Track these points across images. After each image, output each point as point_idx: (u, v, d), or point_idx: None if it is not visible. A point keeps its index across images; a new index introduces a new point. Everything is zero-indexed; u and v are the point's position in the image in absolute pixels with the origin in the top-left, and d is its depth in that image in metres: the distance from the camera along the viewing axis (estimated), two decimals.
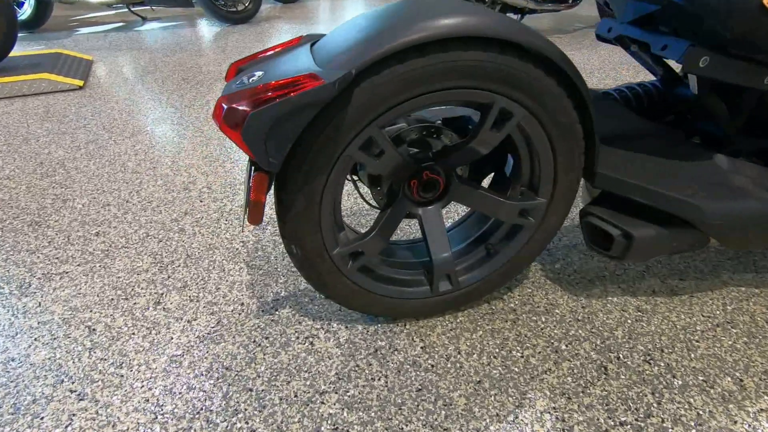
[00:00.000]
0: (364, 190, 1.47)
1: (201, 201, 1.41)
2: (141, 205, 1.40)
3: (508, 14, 3.47)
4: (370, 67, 0.62)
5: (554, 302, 1.02)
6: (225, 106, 0.59)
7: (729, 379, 0.84)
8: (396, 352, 0.89)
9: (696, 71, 0.72)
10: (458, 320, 0.97)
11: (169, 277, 1.10)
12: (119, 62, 2.83)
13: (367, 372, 0.85)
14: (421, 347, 0.91)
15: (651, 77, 2.65)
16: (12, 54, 2.64)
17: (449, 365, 0.87)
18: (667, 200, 0.79)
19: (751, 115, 0.95)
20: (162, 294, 1.05)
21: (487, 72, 0.66)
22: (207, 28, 3.66)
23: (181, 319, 0.98)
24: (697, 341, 0.92)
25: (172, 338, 0.93)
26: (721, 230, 0.80)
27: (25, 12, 3.27)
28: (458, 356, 0.89)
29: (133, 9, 3.81)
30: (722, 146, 0.96)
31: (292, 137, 0.60)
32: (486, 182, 1.17)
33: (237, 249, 1.19)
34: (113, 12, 4.18)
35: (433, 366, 0.87)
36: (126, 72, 2.65)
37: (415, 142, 0.84)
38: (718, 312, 0.99)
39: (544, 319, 0.97)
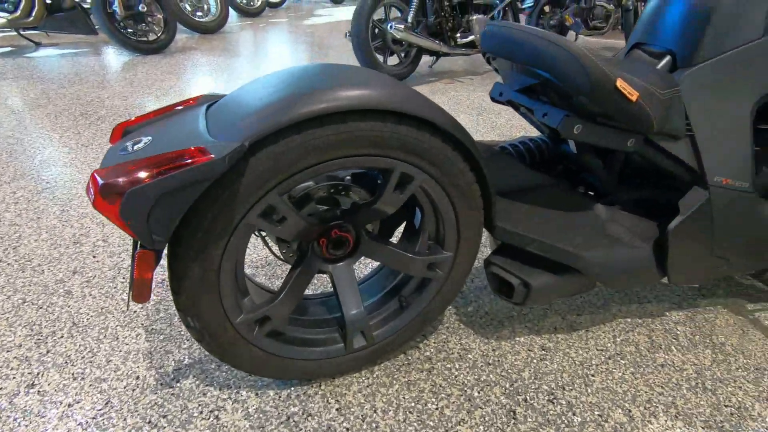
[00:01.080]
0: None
1: (94, 257, 1.27)
2: (18, 264, 1.22)
3: (424, 56, 3.67)
4: (267, 137, 0.61)
5: (467, 347, 1.05)
6: (100, 181, 0.54)
7: (620, 411, 0.92)
8: (310, 418, 0.85)
9: (571, 137, 0.80)
10: (374, 375, 0.96)
11: (48, 351, 0.96)
12: (2, 93, 2.52)
13: None
14: (336, 409, 0.88)
15: None
16: None
17: (365, 426, 0.85)
18: (555, 251, 0.86)
19: (622, 169, 1.08)
20: (38, 374, 0.91)
21: (385, 141, 0.68)
22: (114, 58, 3.42)
23: (60, 403, 0.85)
24: (593, 375, 1.00)
25: (46, 429, 0.80)
26: (601, 276, 0.89)
27: None
28: (374, 415, 0.87)
29: (23, 33, 3.45)
30: (603, 196, 1.08)
31: (179, 213, 0.56)
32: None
33: (134, 312, 1.08)
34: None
35: (348, 429, 0.84)
36: (11, 104, 2.37)
37: (323, 199, 0.83)
38: (609, 344, 1.09)
39: (458, 366, 0.99)
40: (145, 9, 3.35)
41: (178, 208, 0.55)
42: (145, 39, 3.46)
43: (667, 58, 0.90)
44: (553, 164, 1.13)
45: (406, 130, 0.68)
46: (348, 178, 0.92)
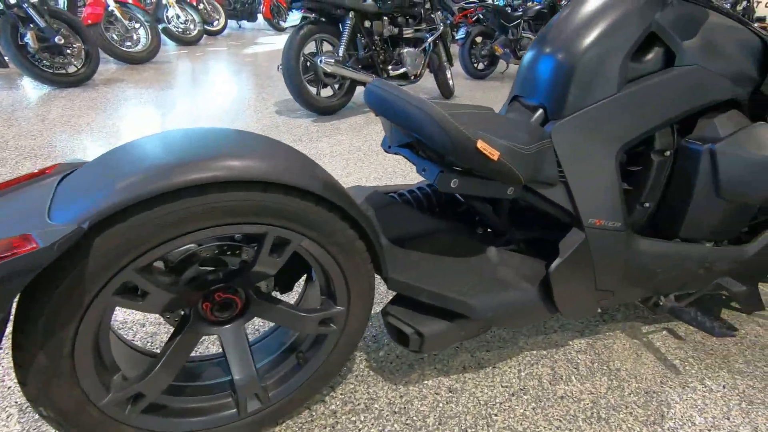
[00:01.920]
0: None
1: None
2: None
3: (359, 85, 3.74)
4: (114, 215, 0.59)
5: (375, 395, 1.04)
6: None
7: None
8: None
9: (450, 191, 0.84)
10: None
11: None
12: None
13: None
14: None
15: None
16: None
17: None
18: (445, 300, 0.88)
19: (515, 211, 1.14)
20: None
21: (251, 209, 0.67)
22: (28, 92, 3.21)
23: None
24: (496, 415, 1.02)
25: None
26: (490, 320, 0.92)
27: None
28: None
29: None
30: (499, 237, 1.13)
31: (5, 304, 0.52)
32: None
33: (9, 388, 0.98)
34: None
35: None
36: None
37: (210, 260, 0.81)
38: (514, 380, 1.12)
39: (363, 418, 0.98)
40: (62, 41, 3.19)
41: (2, 299, 0.51)
42: (63, 72, 3.28)
43: (540, 111, 0.97)
44: (453, 207, 1.17)
45: (273, 197, 0.68)
46: (238, 235, 0.90)
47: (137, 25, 4.47)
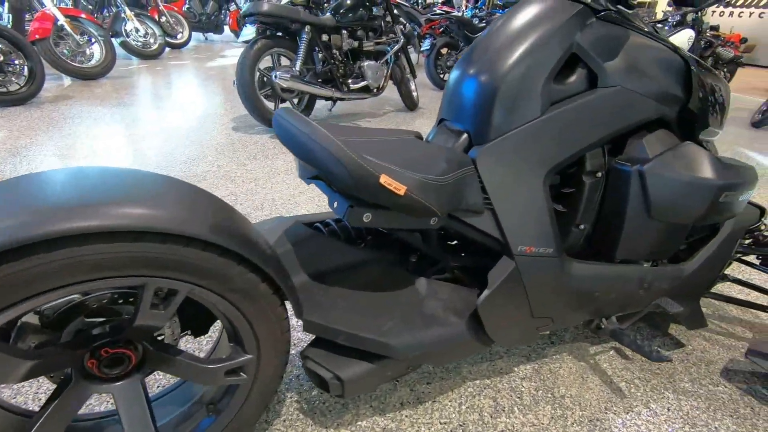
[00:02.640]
0: None
1: None
2: None
3: (319, 100, 3.69)
4: None
5: None
6: None
7: None
8: None
9: (363, 225, 0.78)
10: None
11: None
12: None
13: None
14: None
15: None
16: None
17: None
18: (364, 342, 0.82)
19: (447, 237, 1.10)
20: None
21: (123, 261, 0.60)
22: None
23: None
24: None
25: None
26: (416, 359, 0.87)
27: None
28: None
29: None
30: (434, 264, 1.08)
31: None
32: None
33: None
34: None
35: None
36: None
37: (96, 311, 0.72)
38: (453, 415, 1.07)
39: None
40: (2, 58, 3.03)
41: None
42: (4, 90, 3.11)
43: (464, 136, 0.93)
44: (385, 235, 1.12)
45: (148, 246, 0.61)
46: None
47: (90, 40, 4.30)
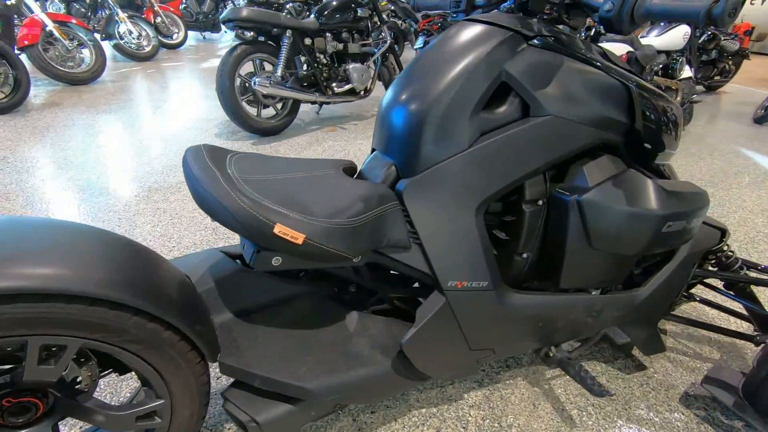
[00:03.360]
0: None
1: None
2: None
3: (305, 104, 3.65)
4: None
5: None
6: None
7: None
8: None
9: (271, 269, 0.76)
10: None
11: None
12: None
13: None
14: None
15: None
16: None
17: None
18: (279, 386, 0.81)
19: (381, 269, 1.07)
20: None
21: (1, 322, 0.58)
22: None
23: None
24: None
25: None
26: (341, 400, 0.85)
27: None
28: None
29: None
30: (373, 294, 1.06)
31: None
32: None
33: None
34: None
35: None
36: None
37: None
38: None
39: None
40: None
41: None
42: None
43: (392, 168, 0.90)
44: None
45: (25, 307, 0.59)
46: None
47: (80, 45, 4.31)
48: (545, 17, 0.95)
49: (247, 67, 3.27)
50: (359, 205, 0.79)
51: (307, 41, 3.23)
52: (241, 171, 0.80)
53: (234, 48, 2.90)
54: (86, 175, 2.41)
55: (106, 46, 5.72)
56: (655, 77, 3.49)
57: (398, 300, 1.06)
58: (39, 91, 4.04)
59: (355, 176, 0.99)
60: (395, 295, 1.04)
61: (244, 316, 0.90)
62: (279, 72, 3.04)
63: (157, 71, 5.35)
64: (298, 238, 0.68)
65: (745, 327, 1.54)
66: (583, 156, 0.99)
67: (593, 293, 1.07)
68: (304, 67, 3.26)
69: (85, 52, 4.39)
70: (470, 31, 0.88)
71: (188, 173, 0.74)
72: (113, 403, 0.84)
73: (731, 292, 1.28)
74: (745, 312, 1.31)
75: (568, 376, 1.28)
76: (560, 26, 0.96)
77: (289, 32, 3.04)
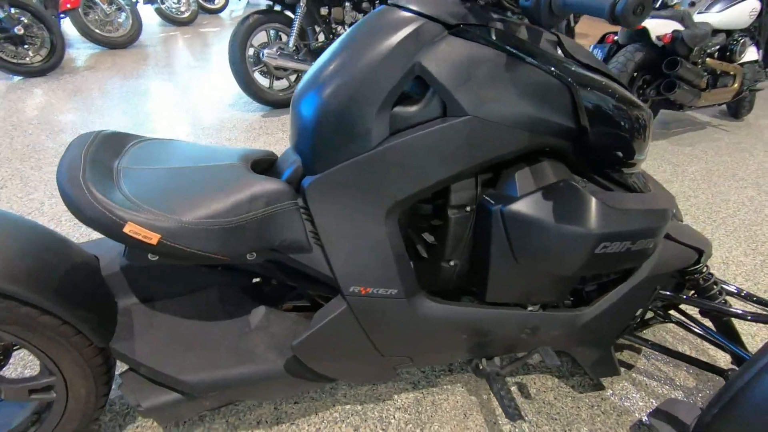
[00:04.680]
0: None
1: None
2: None
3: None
4: None
5: None
6: None
7: None
8: None
9: (147, 263, 0.75)
10: None
11: None
12: None
13: None
14: None
15: None
16: None
17: None
18: (161, 376, 0.81)
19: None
20: None
21: None
22: None
23: None
24: None
25: None
26: (229, 396, 0.85)
27: None
28: None
29: None
30: (294, 288, 1.04)
31: None
32: None
33: None
34: None
35: None
36: None
37: None
38: None
39: None
40: (23, 31, 3.22)
41: None
42: (26, 61, 3.32)
43: (298, 165, 0.86)
44: None
45: None
46: None
47: (118, 9, 4.45)
48: (489, 2, 0.83)
49: (262, 37, 3.24)
50: (242, 203, 0.75)
51: (324, 11, 3.13)
52: (133, 160, 0.79)
53: (246, 17, 2.87)
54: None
55: (149, 9, 5.88)
56: (707, 60, 3.10)
57: (320, 297, 1.03)
58: (78, 53, 4.25)
59: (268, 170, 0.95)
60: (316, 292, 1.01)
61: (147, 302, 0.91)
62: (291, 43, 2.99)
63: (193, 36, 5.45)
64: (152, 238, 0.66)
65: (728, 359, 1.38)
66: (521, 161, 0.89)
67: (530, 309, 0.99)
68: (319, 38, 3.18)
69: (123, 17, 4.53)
70: (386, 18, 0.79)
71: (59, 164, 0.74)
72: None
73: (705, 321, 1.15)
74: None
75: (511, 387, 1.22)
76: (510, 14, 0.85)
77: (303, 1, 2.96)
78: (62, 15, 4.13)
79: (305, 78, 0.85)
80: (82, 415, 0.88)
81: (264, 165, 0.94)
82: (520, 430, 1.12)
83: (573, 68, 0.83)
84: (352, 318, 0.87)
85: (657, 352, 1.24)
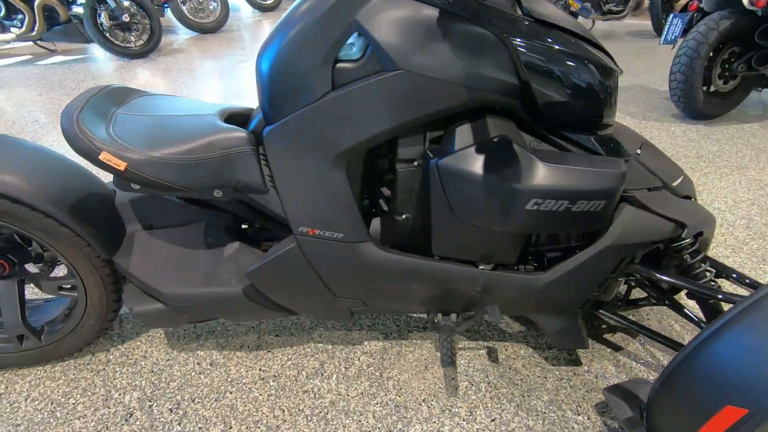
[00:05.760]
0: None
1: None
2: None
3: None
4: None
5: (148, 355, 1.22)
6: None
7: (223, 426, 1.04)
8: None
9: (131, 191, 0.93)
10: (51, 370, 1.17)
11: None
12: (19, 97, 3.07)
13: None
14: (1, 393, 1.11)
15: None
16: None
17: (10, 409, 1.07)
18: (146, 287, 1.00)
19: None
20: None
21: None
22: (105, 64, 3.91)
23: None
24: (230, 393, 1.12)
25: None
26: (181, 310, 1.02)
27: None
28: (22, 401, 1.09)
29: (39, 43, 4.07)
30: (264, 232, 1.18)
31: None
32: None
33: None
34: (27, 42, 4.44)
35: None
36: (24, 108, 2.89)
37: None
38: (275, 366, 1.19)
39: (125, 370, 1.17)
40: (128, 19, 3.77)
41: None
42: (130, 45, 3.89)
43: (261, 117, 0.97)
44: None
45: None
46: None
47: None
48: None
49: None
50: (202, 145, 0.89)
51: None
52: (129, 108, 0.97)
53: None
54: None
55: None
56: None
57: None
58: (173, 38, 4.84)
59: (243, 123, 1.09)
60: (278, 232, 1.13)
61: (148, 229, 1.10)
62: None
63: (276, 21, 5.85)
64: (120, 165, 0.83)
65: None
66: (467, 117, 0.91)
67: (481, 267, 1.01)
68: None
69: (214, 4, 5.04)
70: None
71: (67, 104, 0.94)
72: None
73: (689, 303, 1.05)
74: None
75: (480, 350, 1.24)
76: None
77: None
78: (166, 5, 4.73)
79: (268, 37, 0.96)
80: (98, 315, 1.11)
81: (241, 119, 1.07)
82: (477, 388, 1.14)
83: (517, 24, 0.83)
84: (301, 255, 0.98)
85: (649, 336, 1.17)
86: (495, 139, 0.85)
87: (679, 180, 1.07)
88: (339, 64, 0.86)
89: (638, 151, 1.06)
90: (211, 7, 5.01)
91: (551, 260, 1.06)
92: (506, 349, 1.25)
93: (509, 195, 0.84)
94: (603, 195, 0.86)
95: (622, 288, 1.32)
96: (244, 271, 0.99)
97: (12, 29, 3.55)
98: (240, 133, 0.93)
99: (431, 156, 0.90)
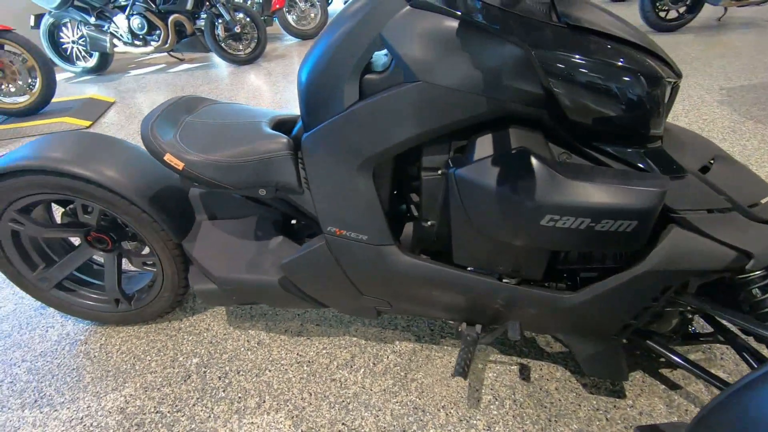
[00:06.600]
0: None
1: None
2: None
3: None
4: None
5: (210, 327, 1.41)
6: None
7: (257, 399, 1.17)
8: (80, 343, 1.38)
9: (193, 187, 1.08)
10: (140, 330, 1.42)
11: None
12: (135, 103, 3.70)
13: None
14: (101, 345, 1.38)
15: None
16: (56, 100, 3.66)
17: (97, 355, 1.33)
18: (201, 269, 1.16)
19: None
20: None
21: (52, 185, 1.12)
22: (220, 70, 4.46)
23: None
24: (269, 371, 1.25)
25: None
26: (229, 292, 1.15)
27: (91, 62, 4.41)
28: (113, 351, 1.34)
29: (171, 54, 4.78)
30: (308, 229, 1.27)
31: None
32: None
33: None
34: (162, 54, 5.23)
35: (87, 354, 1.34)
36: (134, 112, 3.49)
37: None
38: (311, 353, 1.29)
39: (190, 338, 1.37)
40: (240, 30, 4.24)
41: None
42: (239, 53, 4.38)
43: (300, 121, 1.06)
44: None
45: (71, 181, 1.11)
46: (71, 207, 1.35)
47: (311, 5, 5.34)
48: None
49: None
50: (246, 149, 1.01)
51: None
52: (198, 116, 1.13)
53: None
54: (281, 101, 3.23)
55: (338, 3, 6.80)
56: None
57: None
58: (276, 45, 5.31)
59: (289, 129, 1.19)
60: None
61: (212, 220, 1.28)
62: None
63: None
64: (179, 165, 0.98)
65: None
66: (490, 127, 0.90)
67: (504, 281, 0.99)
68: None
69: (314, 13, 5.41)
70: None
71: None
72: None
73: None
74: None
75: (512, 365, 1.20)
76: None
77: None
78: (275, 15, 5.21)
79: (308, 49, 1.05)
80: (172, 289, 1.32)
81: (288, 125, 1.18)
82: (500, 403, 1.12)
83: (544, 32, 0.80)
84: (329, 253, 1.06)
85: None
86: (513, 151, 0.83)
87: (763, 201, 0.92)
88: (366, 76, 0.91)
89: (710, 164, 0.93)
90: (312, 14, 5.39)
91: (585, 280, 0.99)
92: (541, 369, 1.19)
93: (523, 209, 0.81)
94: (633, 215, 0.78)
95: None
96: (280, 263, 1.10)
97: (152, 43, 4.24)
98: (281, 139, 1.04)
99: (452, 165, 0.91)
